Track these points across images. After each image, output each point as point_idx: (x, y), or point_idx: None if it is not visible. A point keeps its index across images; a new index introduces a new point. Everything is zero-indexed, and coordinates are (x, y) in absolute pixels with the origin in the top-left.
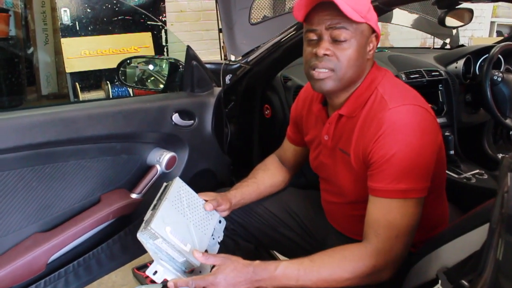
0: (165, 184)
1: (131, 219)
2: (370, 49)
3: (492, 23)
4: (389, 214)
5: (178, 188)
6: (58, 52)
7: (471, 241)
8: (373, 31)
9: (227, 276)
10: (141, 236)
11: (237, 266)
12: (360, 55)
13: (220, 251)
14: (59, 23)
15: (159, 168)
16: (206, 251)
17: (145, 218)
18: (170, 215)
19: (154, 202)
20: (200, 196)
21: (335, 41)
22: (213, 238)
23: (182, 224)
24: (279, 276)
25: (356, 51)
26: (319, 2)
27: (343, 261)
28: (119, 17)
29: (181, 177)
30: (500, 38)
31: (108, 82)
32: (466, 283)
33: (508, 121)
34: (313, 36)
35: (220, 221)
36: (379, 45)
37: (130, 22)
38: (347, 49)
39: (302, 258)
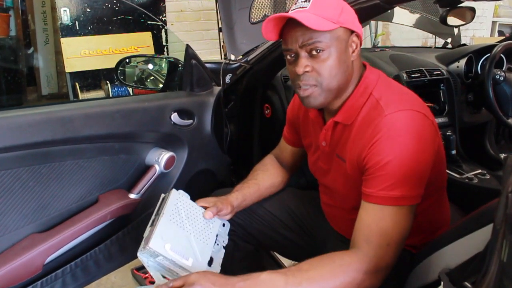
0: (162, 195)
1: (130, 219)
2: (353, 51)
3: (493, 23)
4: (382, 221)
5: (175, 201)
6: (58, 52)
7: (474, 242)
8: (352, 31)
9: (204, 276)
10: (141, 255)
11: (215, 274)
12: (342, 61)
13: None
14: (59, 23)
15: (158, 168)
16: (211, 259)
17: (144, 235)
18: (169, 231)
19: (153, 217)
20: (199, 203)
21: (313, 54)
22: (217, 244)
23: (182, 238)
24: (265, 281)
25: (337, 58)
26: (284, 22)
27: (333, 269)
28: (119, 17)
29: (181, 177)
30: (502, 37)
31: (108, 82)
32: (469, 285)
33: (510, 120)
34: (291, 55)
35: (223, 225)
36: (380, 45)
37: (130, 22)
38: (327, 60)
39: (289, 267)
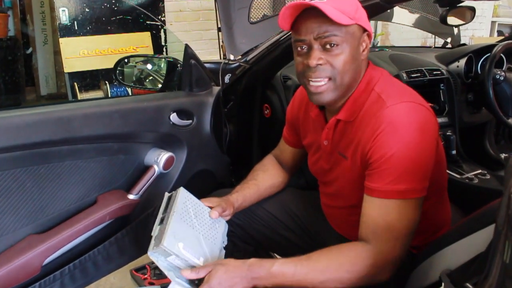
0: (167, 194)
1: (129, 220)
2: (363, 49)
3: (493, 22)
4: (388, 215)
5: (184, 199)
6: (57, 52)
7: (476, 242)
8: (364, 29)
9: (221, 280)
10: (153, 254)
11: (228, 268)
12: (354, 58)
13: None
14: (57, 23)
15: (157, 168)
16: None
17: (153, 234)
18: (181, 230)
19: (160, 215)
20: (204, 203)
21: (326, 48)
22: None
23: (193, 237)
24: (276, 273)
25: (350, 54)
26: (303, 9)
27: (341, 261)
28: (118, 17)
29: (180, 177)
30: (501, 37)
31: (106, 82)
32: (470, 286)
33: (510, 120)
34: (303, 46)
35: (224, 225)
36: (379, 45)
37: (129, 22)
38: (340, 55)
39: (299, 256)
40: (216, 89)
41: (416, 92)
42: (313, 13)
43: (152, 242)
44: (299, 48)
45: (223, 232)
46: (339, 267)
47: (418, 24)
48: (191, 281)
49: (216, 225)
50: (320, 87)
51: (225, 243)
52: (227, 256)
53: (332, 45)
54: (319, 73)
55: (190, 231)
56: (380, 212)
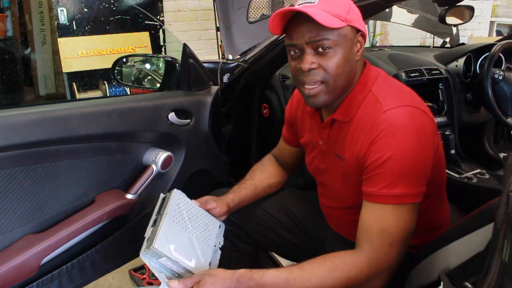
0: (162, 196)
1: (127, 220)
2: (357, 50)
3: (491, 22)
4: (383, 220)
5: (177, 201)
6: (56, 52)
7: (475, 241)
8: (358, 30)
9: (214, 282)
10: (144, 256)
11: (217, 279)
12: (348, 60)
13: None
14: (56, 22)
15: (155, 168)
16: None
17: (146, 236)
18: (173, 232)
19: (154, 217)
20: (197, 202)
21: (319, 51)
22: (214, 245)
23: (185, 239)
24: (267, 285)
25: (343, 57)
26: (292, 15)
27: (335, 270)
28: (116, 17)
29: (178, 177)
30: (500, 37)
31: (105, 82)
32: (469, 285)
33: (509, 120)
34: (295, 50)
35: (219, 226)
36: (378, 44)
37: (128, 22)
38: (333, 58)
39: (291, 266)
40: (214, 88)
41: (414, 93)
42: (304, 17)
43: (145, 243)
44: (292, 52)
45: (217, 233)
46: (332, 278)
47: (417, 24)
48: None
49: (210, 227)
50: (313, 89)
51: (221, 243)
52: (226, 255)
53: (325, 48)
54: (312, 77)
55: (183, 232)
56: (376, 218)
